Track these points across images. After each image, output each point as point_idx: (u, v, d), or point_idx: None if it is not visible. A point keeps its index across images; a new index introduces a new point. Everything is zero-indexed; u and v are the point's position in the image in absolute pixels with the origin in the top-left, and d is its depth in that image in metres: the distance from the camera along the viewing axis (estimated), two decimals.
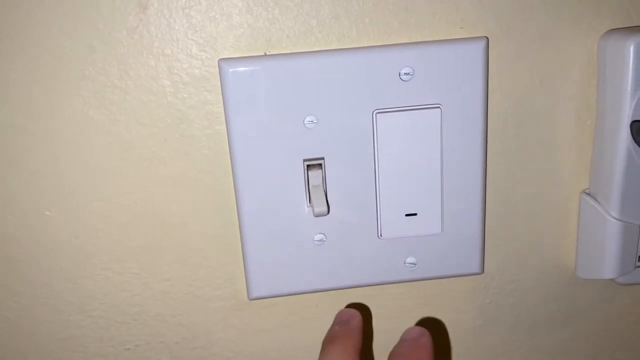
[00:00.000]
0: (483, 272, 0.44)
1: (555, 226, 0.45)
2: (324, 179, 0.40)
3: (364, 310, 0.46)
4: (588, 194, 0.43)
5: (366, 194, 0.41)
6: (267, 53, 0.38)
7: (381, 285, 0.45)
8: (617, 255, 0.41)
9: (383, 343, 0.46)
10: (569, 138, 0.43)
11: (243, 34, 0.38)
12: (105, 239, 0.42)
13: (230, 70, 0.38)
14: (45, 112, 0.38)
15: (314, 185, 0.40)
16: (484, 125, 0.40)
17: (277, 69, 0.38)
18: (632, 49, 0.37)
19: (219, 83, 0.38)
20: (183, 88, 0.39)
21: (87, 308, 0.43)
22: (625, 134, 0.39)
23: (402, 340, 0.34)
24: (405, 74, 0.39)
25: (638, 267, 0.42)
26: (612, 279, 0.43)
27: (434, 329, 0.47)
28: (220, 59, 0.38)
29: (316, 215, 0.40)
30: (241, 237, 0.41)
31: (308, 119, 0.39)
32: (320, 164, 0.40)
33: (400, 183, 0.41)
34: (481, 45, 0.39)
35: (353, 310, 0.38)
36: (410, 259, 0.43)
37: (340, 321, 0.37)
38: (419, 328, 0.35)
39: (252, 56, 0.38)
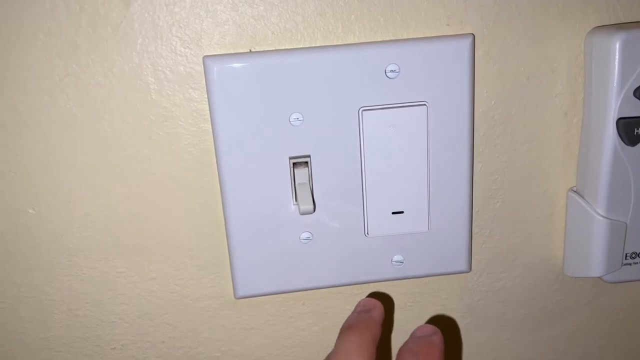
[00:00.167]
0: (470, 270, 0.44)
1: (542, 224, 0.45)
2: (310, 176, 0.40)
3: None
4: (575, 191, 0.43)
5: (353, 192, 0.41)
6: (252, 50, 0.38)
7: (368, 284, 0.45)
8: (604, 253, 0.41)
9: None
10: (556, 135, 0.43)
11: (228, 30, 0.38)
12: (90, 238, 0.41)
13: (215, 67, 0.37)
14: (28, 110, 0.38)
15: (300, 183, 0.40)
16: (470, 122, 0.40)
17: (262, 66, 0.38)
18: (617, 45, 0.37)
19: (204, 80, 0.38)
20: (167, 85, 0.38)
21: (72, 307, 0.43)
22: (611, 131, 0.39)
23: (413, 337, 0.34)
24: (391, 71, 0.38)
25: (625, 265, 0.42)
26: (599, 277, 0.43)
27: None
28: (205, 56, 0.37)
29: (302, 214, 0.39)
30: (227, 236, 0.41)
31: (294, 116, 0.39)
32: (307, 162, 0.40)
33: (387, 181, 0.41)
34: (467, 42, 0.39)
35: (375, 301, 0.36)
36: (397, 257, 0.43)
37: (362, 310, 0.36)
38: (431, 326, 0.34)
39: (237, 53, 0.38)
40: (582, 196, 0.42)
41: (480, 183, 0.43)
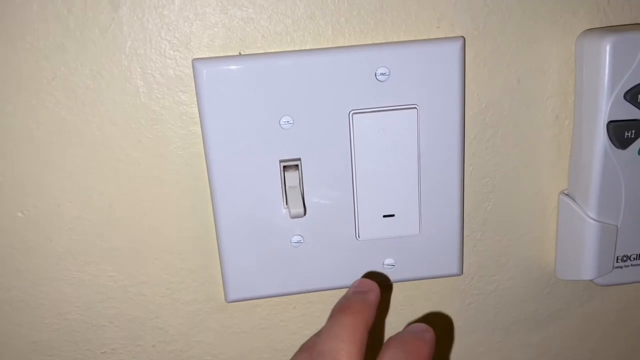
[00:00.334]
0: (462, 273, 0.44)
1: (534, 227, 0.45)
2: (301, 180, 0.40)
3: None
4: (567, 194, 0.43)
5: (343, 195, 0.41)
6: (242, 53, 0.38)
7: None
8: (595, 256, 0.41)
9: None
10: (547, 138, 0.42)
11: (217, 33, 0.38)
12: (79, 241, 0.41)
13: (205, 70, 0.37)
14: (17, 112, 0.38)
15: (291, 187, 0.40)
16: (461, 125, 0.40)
17: (252, 69, 0.37)
18: (608, 48, 0.37)
19: (193, 83, 0.38)
20: (157, 88, 0.38)
21: (62, 311, 0.43)
22: (601, 134, 0.38)
23: (405, 331, 0.33)
24: (382, 74, 0.38)
25: (616, 267, 0.42)
26: (591, 280, 0.43)
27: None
28: (194, 59, 0.37)
29: (292, 217, 0.39)
30: (218, 239, 0.41)
31: (284, 119, 0.39)
32: (297, 165, 0.40)
33: (378, 184, 0.40)
34: (458, 45, 0.39)
35: (372, 282, 0.35)
36: (388, 260, 0.43)
37: (357, 291, 0.34)
38: (424, 325, 0.33)
39: (227, 56, 0.38)
40: (573, 199, 0.42)
41: (471, 186, 0.43)
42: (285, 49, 0.38)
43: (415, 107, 0.39)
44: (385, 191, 0.41)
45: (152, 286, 0.43)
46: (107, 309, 0.43)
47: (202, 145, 0.39)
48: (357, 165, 0.40)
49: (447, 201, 0.42)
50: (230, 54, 0.38)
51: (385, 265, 0.43)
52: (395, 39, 0.39)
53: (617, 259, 0.42)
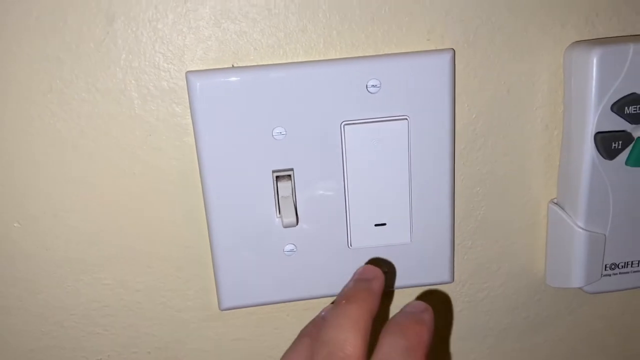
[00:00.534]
0: (453, 280, 0.45)
1: (524, 235, 0.45)
2: (294, 190, 0.41)
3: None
4: (556, 203, 0.43)
5: (335, 204, 0.41)
6: (235, 65, 0.39)
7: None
8: (584, 264, 0.42)
9: None
10: (537, 148, 0.43)
11: (210, 46, 0.38)
12: (75, 251, 0.42)
13: (198, 82, 0.38)
14: (13, 124, 0.38)
15: (283, 196, 0.40)
16: (451, 135, 0.41)
17: (245, 81, 0.38)
18: (595, 60, 0.38)
19: (187, 95, 0.38)
20: (151, 100, 0.39)
21: (58, 319, 0.43)
22: (589, 145, 0.39)
23: (403, 312, 0.32)
24: (373, 86, 0.39)
25: (605, 275, 0.43)
26: (580, 288, 0.43)
27: None
28: (188, 72, 0.38)
29: (285, 226, 0.40)
30: (212, 248, 0.41)
31: (277, 130, 0.39)
32: (290, 175, 0.40)
33: (369, 193, 0.41)
34: (448, 56, 0.39)
35: (376, 269, 0.34)
36: (385, 269, 0.43)
37: (361, 279, 0.34)
38: (422, 303, 0.33)
39: (220, 68, 0.38)
40: (562, 208, 0.43)
41: (462, 195, 0.43)
42: (278, 62, 0.39)
43: (406, 118, 0.40)
44: (376, 200, 0.41)
45: (147, 294, 0.43)
46: (102, 317, 0.44)
47: (196, 156, 0.40)
48: (349, 175, 0.41)
49: (438, 210, 0.42)
50: (224, 66, 0.39)
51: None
52: (386, 51, 0.39)
53: (606, 267, 0.43)
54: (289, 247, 0.42)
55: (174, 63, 0.38)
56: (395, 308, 0.46)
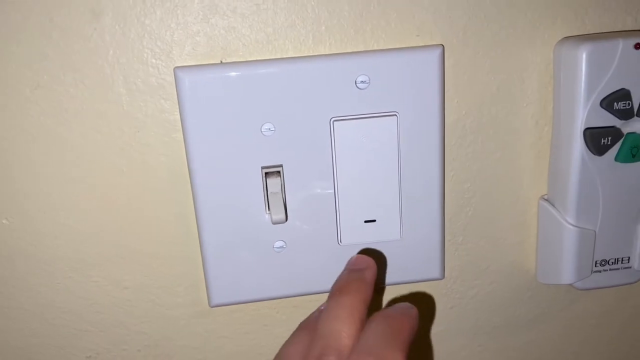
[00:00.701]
0: (444, 277, 0.45)
1: (515, 231, 0.45)
2: (283, 186, 0.41)
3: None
4: (546, 199, 0.43)
5: (325, 201, 0.41)
6: (224, 61, 0.38)
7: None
8: (574, 260, 0.42)
9: None
10: (527, 144, 0.43)
11: (199, 42, 0.38)
12: (64, 248, 0.41)
13: (186, 78, 0.38)
14: (0, 121, 0.38)
15: (273, 193, 0.40)
16: (440, 132, 0.41)
17: (234, 77, 0.38)
18: (584, 56, 0.38)
19: (175, 91, 0.38)
20: (139, 96, 0.39)
21: (47, 316, 0.43)
22: (578, 141, 0.39)
23: (389, 308, 0.33)
24: (362, 82, 0.39)
25: (595, 272, 0.43)
26: (570, 284, 0.43)
27: None
28: (176, 67, 0.38)
29: (274, 223, 0.40)
30: (201, 245, 0.41)
31: (265, 126, 0.39)
32: (279, 171, 0.40)
33: (359, 190, 0.41)
34: (437, 53, 0.39)
35: (368, 259, 0.35)
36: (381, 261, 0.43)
37: (354, 269, 0.34)
38: (408, 303, 0.33)
39: (208, 64, 0.38)
40: (552, 204, 0.43)
41: (452, 191, 0.43)
42: (267, 57, 0.39)
43: (395, 115, 0.40)
44: (366, 197, 0.41)
45: (137, 291, 0.43)
46: (91, 314, 0.44)
47: (184, 152, 0.40)
48: (339, 172, 0.40)
49: (428, 206, 0.42)
50: (212, 62, 0.38)
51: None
52: (375, 47, 0.39)
53: (596, 263, 0.42)
54: (278, 243, 0.42)
55: (162, 59, 0.38)
56: (384, 303, 0.46)
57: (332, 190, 0.41)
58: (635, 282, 0.44)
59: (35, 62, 0.37)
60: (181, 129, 0.39)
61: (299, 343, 0.32)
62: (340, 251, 0.42)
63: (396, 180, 0.41)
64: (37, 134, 0.39)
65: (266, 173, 0.40)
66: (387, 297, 0.46)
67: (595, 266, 0.43)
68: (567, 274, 0.42)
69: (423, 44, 0.40)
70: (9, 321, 0.43)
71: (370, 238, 0.42)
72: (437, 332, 0.47)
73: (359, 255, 0.36)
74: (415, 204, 0.42)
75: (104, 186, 0.40)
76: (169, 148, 0.40)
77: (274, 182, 0.40)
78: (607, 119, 0.39)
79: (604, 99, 0.38)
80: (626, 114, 0.38)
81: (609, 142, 0.39)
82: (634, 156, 0.39)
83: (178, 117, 0.39)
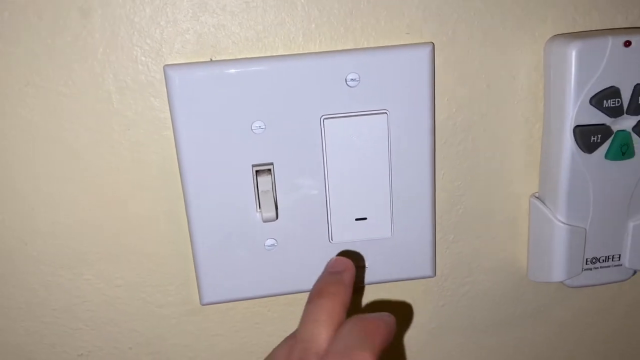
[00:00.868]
0: (435, 275, 0.45)
1: (506, 229, 0.45)
2: (273, 184, 0.41)
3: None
4: (537, 197, 0.43)
5: (316, 199, 0.41)
6: (213, 59, 0.38)
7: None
8: (565, 258, 0.42)
9: None
10: (518, 141, 0.43)
11: (189, 40, 0.38)
12: (55, 245, 0.42)
13: (176, 76, 0.38)
14: None
15: (263, 191, 0.40)
16: (431, 129, 0.41)
17: (223, 75, 0.38)
18: (573, 54, 0.38)
19: (165, 89, 0.38)
20: (129, 94, 0.39)
21: (38, 314, 0.43)
22: (568, 138, 0.39)
23: (368, 313, 0.33)
24: (352, 79, 0.39)
25: (586, 269, 0.43)
26: (561, 282, 0.43)
27: None
28: (166, 65, 0.38)
29: (265, 221, 0.40)
30: (192, 243, 0.41)
31: (256, 124, 0.39)
32: (270, 170, 0.40)
33: (350, 188, 0.41)
34: (427, 50, 0.39)
35: (347, 261, 0.35)
36: (361, 263, 0.43)
37: (332, 272, 0.35)
38: (387, 313, 0.33)
39: (198, 62, 0.38)
40: (543, 202, 0.43)
41: (443, 189, 0.43)
42: (257, 55, 0.39)
43: (386, 112, 0.40)
44: (357, 195, 0.41)
45: (128, 289, 0.43)
46: (83, 312, 0.44)
47: (175, 150, 0.40)
48: (329, 169, 0.40)
49: (419, 204, 0.42)
50: (202, 60, 0.38)
51: (358, 267, 0.43)
52: (365, 45, 0.39)
53: (587, 261, 0.43)
54: (269, 241, 0.42)
55: (151, 57, 0.38)
56: (377, 302, 0.46)
57: (323, 188, 0.41)
58: (626, 279, 0.44)
59: (24, 60, 0.37)
60: (171, 127, 0.39)
61: (284, 347, 0.33)
62: (331, 249, 0.42)
63: (387, 178, 0.41)
64: (26, 131, 0.39)
65: (257, 171, 0.40)
66: (378, 295, 0.46)
67: (586, 264, 0.43)
68: (557, 271, 0.42)
69: (413, 42, 0.40)
70: (0, 319, 0.43)
71: (361, 236, 0.42)
72: (429, 329, 0.48)
73: (338, 257, 0.36)
74: (406, 202, 0.42)
75: (94, 184, 0.40)
76: (160, 146, 0.40)
77: (264, 180, 0.40)
78: (597, 117, 0.39)
79: (594, 96, 0.38)
80: (616, 112, 0.38)
81: (599, 140, 0.39)
82: (623, 154, 0.39)
83: (168, 115, 0.39)
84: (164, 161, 0.40)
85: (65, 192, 0.40)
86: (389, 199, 0.41)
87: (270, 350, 0.34)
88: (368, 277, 0.44)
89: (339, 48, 0.39)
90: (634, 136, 0.39)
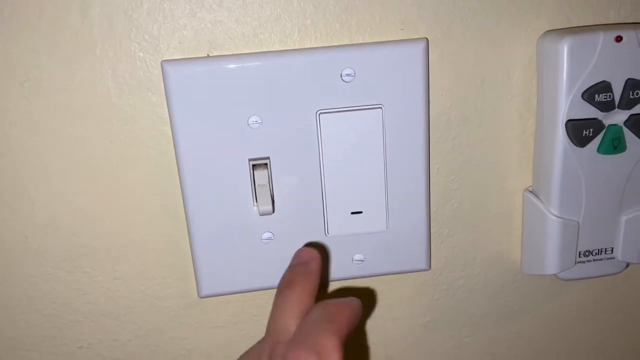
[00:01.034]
0: (430, 268, 0.45)
1: (500, 223, 0.46)
2: (270, 178, 0.41)
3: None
4: (531, 191, 0.44)
5: (312, 192, 0.42)
6: (210, 54, 0.39)
7: (329, 282, 0.45)
8: (558, 251, 0.42)
9: None
10: (511, 136, 0.43)
11: (186, 35, 0.39)
12: (54, 239, 0.42)
13: (173, 72, 0.38)
14: None
15: (260, 185, 0.41)
16: (425, 124, 0.41)
17: (220, 70, 0.38)
18: (565, 49, 0.38)
19: (163, 84, 0.39)
20: (127, 90, 0.39)
21: (38, 307, 0.44)
22: (561, 132, 0.40)
23: (333, 299, 0.34)
24: (347, 75, 0.39)
25: (579, 262, 0.43)
26: (555, 275, 0.44)
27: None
28: (163, 61, 0.38)
29: (261, 214, 0.40)
30: (189, 237, 0.42)
31: (252, 119, 0.40)
32: (266, 164, 0.41)
33: (345, 182, 0.41)
34: (421, 46, 0.40)
35: (313, 251, 0.36)
36: (357, 256, 0.44)
37: (299, 262, 0.36)
38: (353, 297, 0.35)
39: (195, 58, 0.39)
40: (537, 196, 0.43)
41: (438, 183, 0.44)
42: (253, 51, 0.39)
43: (381, 107, 0.40)
44: (352, 188, 0.42)
45: (127, 282, 0.44)
46: (82, 305, 0.44)
47: (172, 144, 0.40)
48: (325, 164, 0.41)
49: (414, 198, 0.43)
50: (199, 55, 0.39)
51: (354, 260, 0.44)
52: (361, 41, 0.40)
53: (580, 254, 0.43)
54: (266, 235, 0.42)
55: (149, 52, 0.39)
56: (371, 294, 0.47)
57: (319, 182, 0.41)
58: (619, 272, 0.45)
59: (24, 56, 0.38)
60: (169, 122, 0.40)
61: (259, 343, 0.34)
62: (327, 242, 0.43)
63: (382, 172, 0.41)
64: (26, 127, 0.39)
65: (253, 165, 0.41)
66: (373, 288, 0.46)
67: (579, 257, 0.43)
68: (551, 264, 0.43)
69: (408, 38, 0.40)
70: (1, 312, 0.44)
71: (357, 229, 0.43)
72: (424, 323, 0.48)
73: (304, 248, 0.37)
74: (402, 196, 0.43)
75: (93, 178, 0.41)
76: (158, 141, 0.40)
77: (261, 174, 0.41)
78: (589, 111, 0.39)
79: (586, 91, 0.39)
80: (607, 106, 0.39)
81: (591, 134, 0.39)
82: (615, 148, 0.40)
83: (166, 110, 0.40)
84: (162, 156, 0.41)
85: (65, 186, 0.41)
86: (384, 193, 0.42)
87: None
88: (364, 270, 0.44)
89: (335, 44, 0.40)
90: (626, 130, 0.40)
